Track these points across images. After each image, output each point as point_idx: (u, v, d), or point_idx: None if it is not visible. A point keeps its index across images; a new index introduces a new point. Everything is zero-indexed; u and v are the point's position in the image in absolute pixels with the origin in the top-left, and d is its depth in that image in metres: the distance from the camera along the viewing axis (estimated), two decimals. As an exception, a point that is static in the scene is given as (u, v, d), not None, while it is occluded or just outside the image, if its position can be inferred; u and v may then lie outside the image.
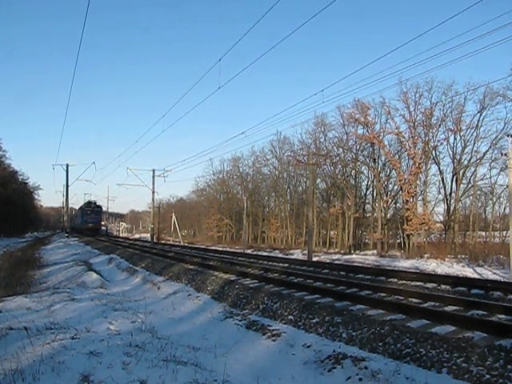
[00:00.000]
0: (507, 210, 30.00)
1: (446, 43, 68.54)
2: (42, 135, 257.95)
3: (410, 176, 36.45)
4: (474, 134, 34.81)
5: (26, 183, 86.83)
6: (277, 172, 57.17)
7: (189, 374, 5.01)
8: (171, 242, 54.64)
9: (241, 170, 64.73)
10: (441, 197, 37.84)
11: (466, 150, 35.48)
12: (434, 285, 11.34)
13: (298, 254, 34.22)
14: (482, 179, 36.07)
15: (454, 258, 28.27)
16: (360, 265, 21.95)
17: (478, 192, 37.03)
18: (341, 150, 44.83)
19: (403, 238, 39.14)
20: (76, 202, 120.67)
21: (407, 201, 36.52)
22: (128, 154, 41.47)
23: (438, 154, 37.44)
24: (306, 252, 31.18)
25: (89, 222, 59.64)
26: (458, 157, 35.78)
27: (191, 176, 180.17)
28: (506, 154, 21.50)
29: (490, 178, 35.61)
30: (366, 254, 34.98)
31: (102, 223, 70.40)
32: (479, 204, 38.15)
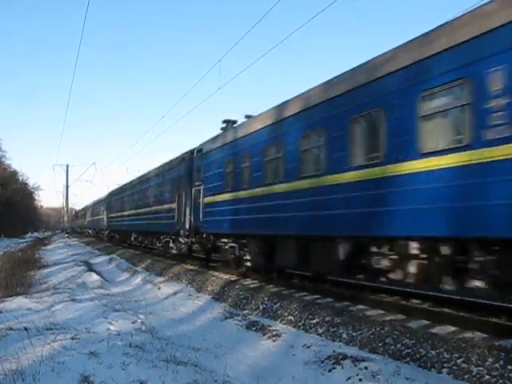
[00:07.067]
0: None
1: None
2: (42, 135, 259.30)
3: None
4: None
5: (27, 184, 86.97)
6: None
7: (189, 374, 5.01)
8: None
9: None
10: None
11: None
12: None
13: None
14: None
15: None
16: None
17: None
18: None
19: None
20: (76, 203, 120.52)
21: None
22: (129, 154, 42.21)
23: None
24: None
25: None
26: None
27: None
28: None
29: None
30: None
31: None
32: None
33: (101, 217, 41.85)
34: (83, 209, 67.87)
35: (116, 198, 33.48)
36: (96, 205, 48.48)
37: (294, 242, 9.60)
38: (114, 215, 33.67)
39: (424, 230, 6.29)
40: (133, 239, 28.04)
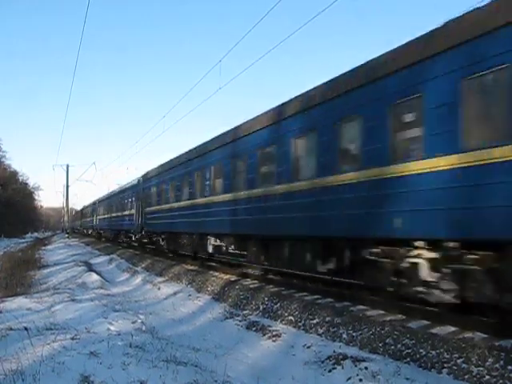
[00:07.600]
0: None
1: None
2: (42, 135, 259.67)
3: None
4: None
5: (27, 184, 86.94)
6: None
7: (189, 374, 5.01)
8: None
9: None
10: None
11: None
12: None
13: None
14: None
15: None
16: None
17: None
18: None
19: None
20: (76, 203, 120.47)
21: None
22: (129, 154, 40.94)
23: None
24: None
25: None
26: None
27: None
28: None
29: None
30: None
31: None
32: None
33: (126, 213, 29.12)
34: (90, 205, 61.45)
35: (165, 180, 19.77)
36: (114, 197, 35.43)
37: None
38: (158, 209, 20.57)
39: None
40: (210, 250, 14.83)
